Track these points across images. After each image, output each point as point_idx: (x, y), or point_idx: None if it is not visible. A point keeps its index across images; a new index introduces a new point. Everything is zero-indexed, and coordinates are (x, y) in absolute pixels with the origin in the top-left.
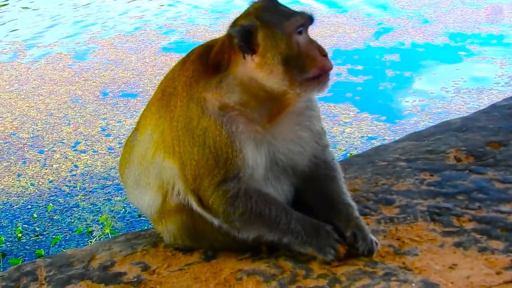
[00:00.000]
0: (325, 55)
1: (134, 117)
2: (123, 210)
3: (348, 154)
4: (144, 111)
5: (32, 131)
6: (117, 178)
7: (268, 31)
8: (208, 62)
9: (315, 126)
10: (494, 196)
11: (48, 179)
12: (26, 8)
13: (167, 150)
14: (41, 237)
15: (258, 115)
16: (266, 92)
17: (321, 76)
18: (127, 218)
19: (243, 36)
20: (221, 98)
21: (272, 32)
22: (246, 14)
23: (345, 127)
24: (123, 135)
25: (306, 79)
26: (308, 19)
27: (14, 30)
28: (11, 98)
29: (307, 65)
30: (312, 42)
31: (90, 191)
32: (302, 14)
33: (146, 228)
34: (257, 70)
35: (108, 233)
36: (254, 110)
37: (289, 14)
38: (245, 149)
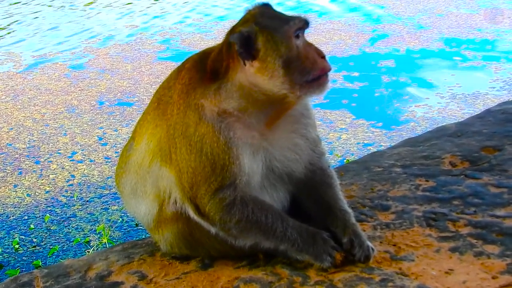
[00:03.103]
0: (323, 57)
1: (131, 126)
2: (121, 219)
3: (345, 160)
4: (140, 120)
5: (28, 141)
6: (114, 188)
7: (268, 36)
8: (204, 69)
9: (311, 133)
10: (490, 201)
11: (45, 190)
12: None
13: (163, 158)
14: (38, 248)
15: (256, 121)
16: (267, 97)
17: (321, 77)
18: (125, 228)
19: (243, 42)
20: (219, 104)
21: (272, 36)
22: (243, 21)
23: (341, 134)
24: (120, 144)
25: (306, 81)
26: (304, 23)
27: (9, 40)
28: (7, 108)
29: (307, 67)
30: (310, 44)
31: (87, 201)
32: (299, 18)
33: (143, 237)
34: (257, 75)
35: (105, 242)
36: (252, 116)
37: (286, 18)
38: (242, 155)
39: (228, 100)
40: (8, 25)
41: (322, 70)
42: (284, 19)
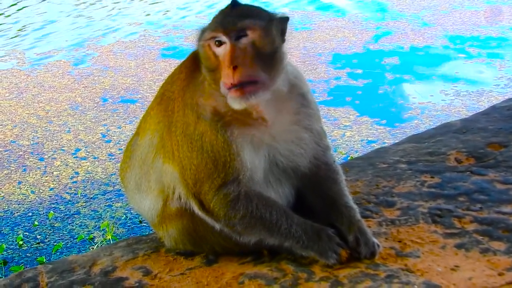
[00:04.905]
0: (234, 68)
1: (134, 123)
2: (125, 216)
3: (349, 158)
4: (144, 115)
5: (32, 138)
6: (118, 184)
7: (197, 41)
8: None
9: (315, 126)
10: (495, 197)
11: (49, 187)
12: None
13: (166, 154)
14: (43, 244)
15: (251, 117)
16: None
17: (230, 89)
18: (129, 224)
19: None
20: (212, 102)
21: (198, 41)
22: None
23: (345, 131)
24: (123, 141)
25: (225, 90)
26: (221, 31)
27: (13, 37)
28: (11, 105)
29: (221, 78)
30: (228, 53)
31: (91, 198)
32: (217, 25)
33: (147, 233)
34: None
35: (109, 239)
36: (245, 113)
37: (215, 24)
38: (242, 152)
39: (220, 97)
40: (11, 22)
41: (226, 83)
42: (213, 25)
